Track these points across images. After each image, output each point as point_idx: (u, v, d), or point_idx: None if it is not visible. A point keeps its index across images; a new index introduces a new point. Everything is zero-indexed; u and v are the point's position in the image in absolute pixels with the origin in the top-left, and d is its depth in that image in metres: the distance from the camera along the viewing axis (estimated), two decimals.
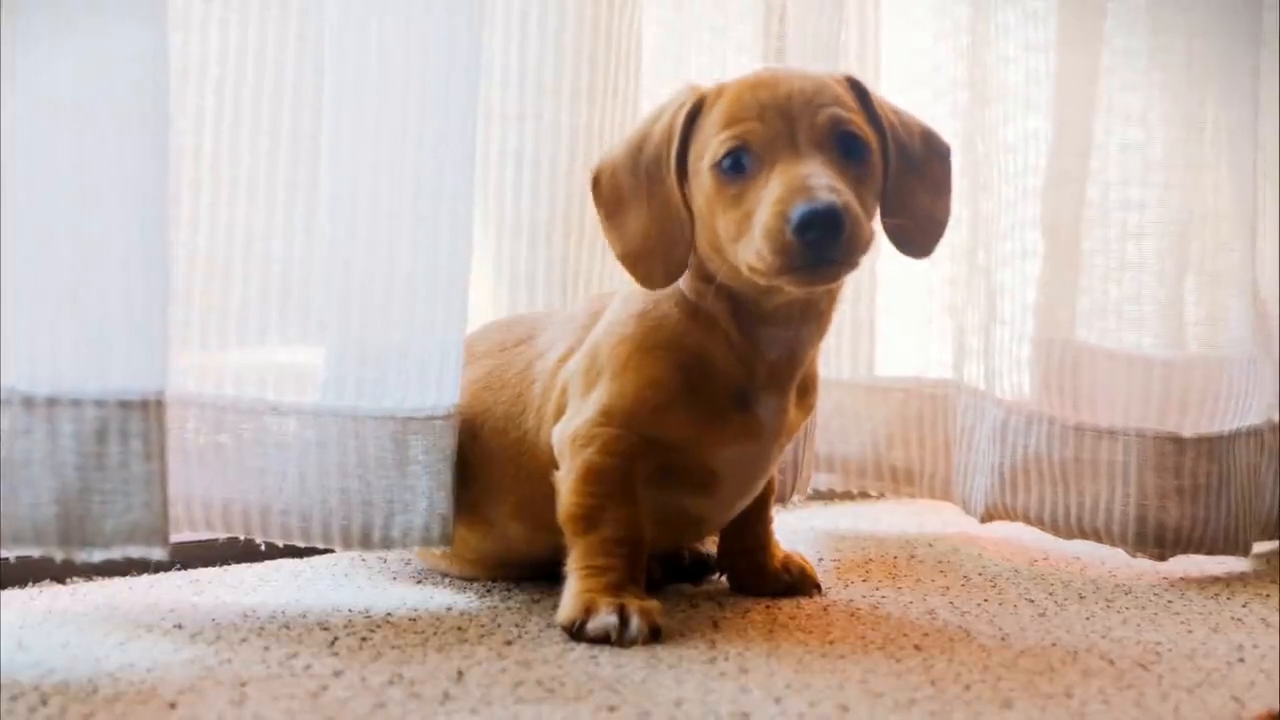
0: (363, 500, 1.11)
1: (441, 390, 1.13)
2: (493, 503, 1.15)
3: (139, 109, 0.97)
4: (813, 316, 1.09)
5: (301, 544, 1.13)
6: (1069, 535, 1.40)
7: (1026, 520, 1.42)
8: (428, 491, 1.12)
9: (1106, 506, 1.37)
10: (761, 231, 0.98)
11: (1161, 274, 1.43)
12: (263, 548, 1.18)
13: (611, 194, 1.08)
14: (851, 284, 1.57)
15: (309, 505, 1.11)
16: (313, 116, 1.13)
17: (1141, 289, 1.43)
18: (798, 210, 0.96)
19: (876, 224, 1.07)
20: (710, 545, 1.27)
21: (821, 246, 0.96)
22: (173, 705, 0.84)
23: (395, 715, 0.84)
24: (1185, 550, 1.36)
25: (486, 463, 1.15)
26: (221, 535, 1.13)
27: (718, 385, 1.08)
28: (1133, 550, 1.37)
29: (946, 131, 1.51)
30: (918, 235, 1.10)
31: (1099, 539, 1.38)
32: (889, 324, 1.62)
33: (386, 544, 1.12)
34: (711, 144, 1.03)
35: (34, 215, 0.94)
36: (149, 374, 0.97)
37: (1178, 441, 1.36)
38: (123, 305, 0.96)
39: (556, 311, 1.26)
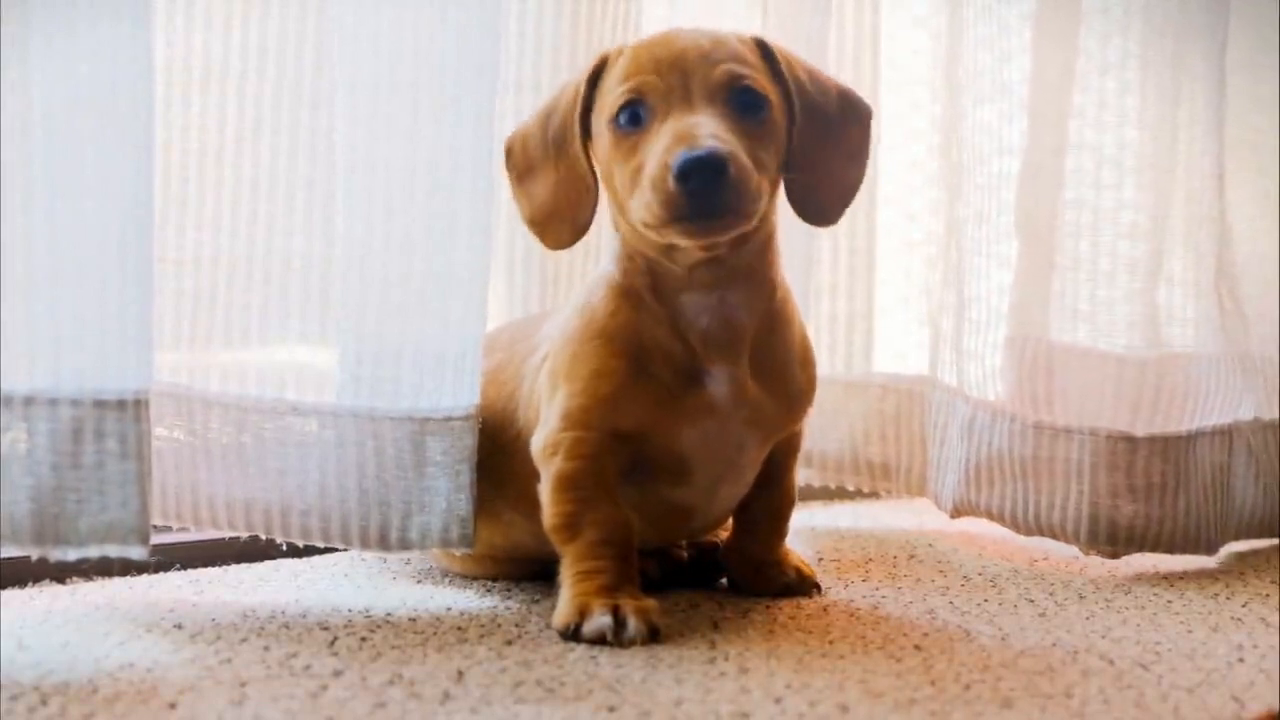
0: (380, 501, 1.11)
1: (459, 390, 1.12)
2: (497, 493, 1.15)
3: (121, 108, 0.96)
4: (739, 278, 1.08)
5: (321, 544, 1.13)
6: (1028, 532, 1.40)
7: (990, 517, 1.42)
8: (446, 493, 1.12)
9: (1062, 504, 1.37)
10: (649, 182, 0.99)
11: (1116, 274, 1.42)
12: (263, 541, 1.18)
13: (523, 161, 1.11)
14: (847, 279, 1.59)
15: (329, 506, 1.11)
16: (329, 114, 1.13)
17: (1098, 288, 1.42)
18: (678, 158, 0.97)
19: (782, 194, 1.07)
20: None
21: (703, 196, 0.97)
22: (173, 705, 0.84)
23: (395, 715, 0.84)
24: (1140, 549, 1.36)
25: (492, 454, 1.15)
26: (244, 534, 1.14)
27: (660, 364, 1.07)
28: (1085, 548, 1.37)
29: (938, 130, 1.54)
30: (824, 198, 1.10)
31: (1055, 536, 1.38)
32: (880, 322, 1.62)
33: (405, 545, 1.12)
34: (609, 100, 1.05)
35: (11, 215, 0.94)
36: (126, 374, 0.97)
37: (1130, 440, 1.36)
38: (100, 306, 0.96)
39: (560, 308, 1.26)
